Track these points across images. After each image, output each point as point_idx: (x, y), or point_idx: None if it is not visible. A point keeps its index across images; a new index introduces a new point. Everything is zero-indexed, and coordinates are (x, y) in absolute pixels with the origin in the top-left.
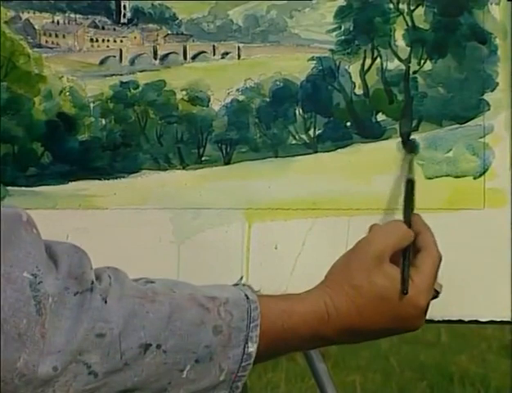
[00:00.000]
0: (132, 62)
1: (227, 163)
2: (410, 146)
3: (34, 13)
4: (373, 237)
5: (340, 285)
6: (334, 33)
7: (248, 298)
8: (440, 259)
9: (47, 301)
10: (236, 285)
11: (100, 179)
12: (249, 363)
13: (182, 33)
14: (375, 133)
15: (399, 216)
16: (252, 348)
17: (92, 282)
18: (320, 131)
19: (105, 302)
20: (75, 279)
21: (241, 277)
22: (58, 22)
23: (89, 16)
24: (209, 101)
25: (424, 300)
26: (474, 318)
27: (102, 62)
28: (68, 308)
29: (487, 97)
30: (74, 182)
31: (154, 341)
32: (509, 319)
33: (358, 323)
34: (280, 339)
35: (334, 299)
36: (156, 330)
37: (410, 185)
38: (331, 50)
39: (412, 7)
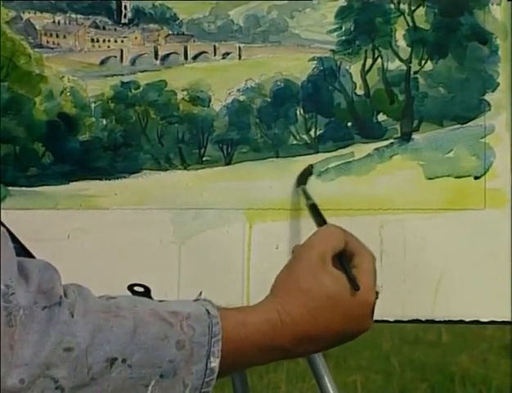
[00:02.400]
0: (132, 62)
1: (228, 163)
2: (301, 180)
3: (35, 13)
4: (312, 241)
5: (289, 292)
6: (335, 34)
7: (209, 313)
8: (375, 259)
9: (18, 313)
10: (197, 300)
11: (101, 179)
12: (212, 379)
13: (183, 34)
14: (376, 134)
15: (400, 216)
16: (214, 363)
17: (61, 297)
18: (321, 131)
19: (72, 316)
20: (44, 294)
21: (200, 293)
22: (59, 22)
23: (90, 16)
24: (210, 101)
25: (372, 297)
26: (475, 319)
27: (103, 62)
28: (36, 321)
29: (488, 97)
30: (74, 183)
31: (120, 355)
32: (509, 319)
33: (312, 328)
34: (238, 350)
35: (285, 306)
36: (121, 344)
37: (313, 208)
38: (332, 50)
39: (413, 8)
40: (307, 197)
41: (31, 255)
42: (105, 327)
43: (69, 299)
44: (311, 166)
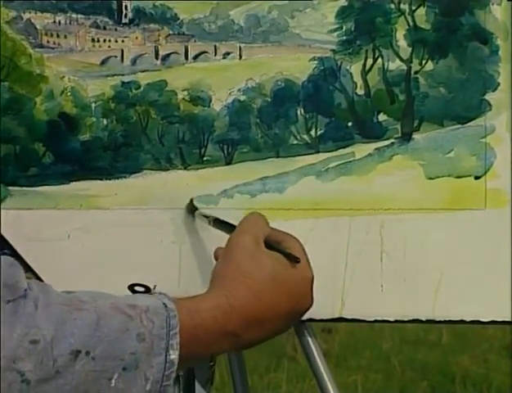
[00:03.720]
0: (133, 62)
1: (229, 163)
2: (190, 208)
3: (36, 13)
4: (243, 227)
5: (232, 278)
6: (336, 34)
7: (166, 306)
8: (302, 243)
9: None
10: (152, 294)
11: (101, 179)
12: (173, 371)
13: (184, 34)
14: (377, 134)
15: (401, 216)
16: (174, 355)
17: (25, 290)
18: (321, 131)
19: (36, 309)
20: (8, 288)
21: (155, 286)
22: (60, 22)
23: (91, 16)
24: (211, 101)
25: (310, 273)
26: (476, 319)
27: (104, 62)
28: (1, 315)
29: (489, 97)
30: (75, 183)
31: (84, 347)
32: (509, 319)
33: (260, 310)
34: (193, 339)
35: (231, 291)
36: (85, 337)
37: (217, 221)
38: (333, 50)
39: (413, 7)
40: (207, 216)
41: (20, 257)
42: (69, 319)
43: (33, 291)
44: (191, 200)
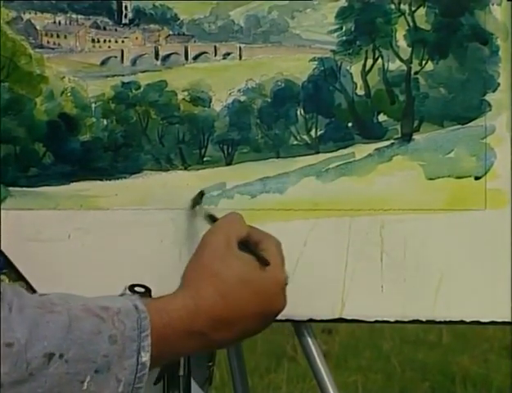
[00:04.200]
0: (133, 63)
1: (229, 163)
2: (194, 202)
3: (36, 14)
4: (216, 228)
5: (200, 278)
6: (336, 34)
7: (137, 308)
8: (280, 244)
9: None
10: (123, 295)
11: (101, 180)
12: (144, 373)
13: (184, 34)
14: (377, 134)
15: (401, 217)
16: (145, 357)
17: (0, 293)
18: (321, 131)
19: (10, 312)
20: None
21: (125, 287)
22: (60, 23)
23: (91, 17)
24: (211, 101)
25: (282, 275)
26: (476, 319)
27: (104, 63)
28: None
29: (489, 97)
30: (75, 183)
31: (57, 350)
32: (509, 320)
33: (227, 311)
34: (162, 339)
35: (199, 292)
36: (58, 339)
37: (210, 218)
38: (333, 50)
39: (414, 8)
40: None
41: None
42: (42, 322)
43: (7, 296)
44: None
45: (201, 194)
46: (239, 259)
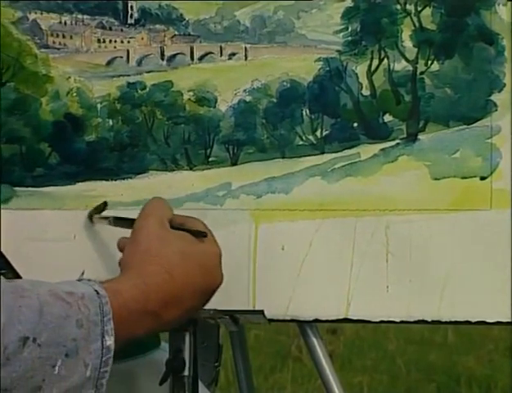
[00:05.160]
0: (139, 63)
1: (234, 164)
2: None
3: (42, 14)
4: (146, 212)
5: (144, 260)
6: (342, 34)
7: (98, 293)
8: (205, 224)
9: None
10: (81, 280)
11: (107, 180)
12: (110, 357)
13: (189, 34)
14: (382, 134)
15: (406, 217)
16: (110, 341)
17: None
18: (327, 132)
19: None
20: None
21: (82, 273)
22: (65, 23)
23: (96, 17)
24: (216, 101)
25: (218, 247)
26: (481, 319)
27: (109, 63)
28: None
29: (495, 97)
30: (81, 183)
31: (31, 334)
32: None
33: (175, 287)
34: (119, 320)
35: (145, 271)
36: (31, 323)
37: (117, 219)
38: (338, 51)
39: (419, 8)
40: (106, 217)
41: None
42: (15, 306)
43: None
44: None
45: (105, 204)
46: (176, 236)
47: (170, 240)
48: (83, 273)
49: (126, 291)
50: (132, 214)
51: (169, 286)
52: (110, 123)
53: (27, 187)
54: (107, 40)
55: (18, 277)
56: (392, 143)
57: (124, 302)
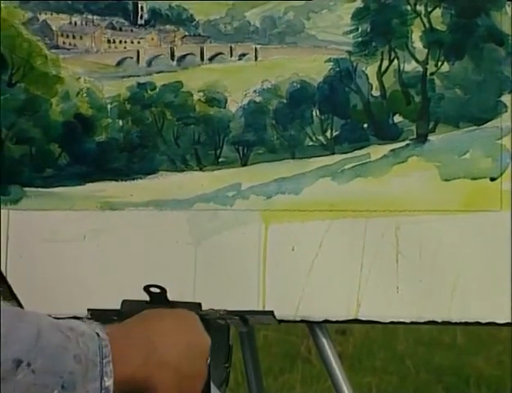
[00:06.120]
0: (149, 63)
1: (244, 164)
2: None
3: (52, 14)
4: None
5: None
6: (352, 35)
7: (98, 335)
8: None
9: None
10: (82, 320)
11: (117, 180)
12: None
13: (200, 35)
14: (392, 135)
15: (416, 218)
16: (108, 382)
17: None
18: (337, 132)
19: None
20: None
21: (87, 316)
22: (75, 23)
23: (106, 18)
24: (226, 102)
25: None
26: (491, 320)
27: (119, 63)
28: None
29: (505, 98)
30: (91, 184)
31: (25, 357)
32: None
33: (141, 330)
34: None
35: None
36: (27, 345)
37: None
38: (348, 51)
39: (429, 9)
40: None
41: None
42: (13, 328)
43: None
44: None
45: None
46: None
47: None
48: (87, 317)
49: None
50: (142, 214)
51: (138, 329)
52: (120, 123)
53: (37, 187)
54: (117, 41)
55: (14, 295)
56: (402, 144)
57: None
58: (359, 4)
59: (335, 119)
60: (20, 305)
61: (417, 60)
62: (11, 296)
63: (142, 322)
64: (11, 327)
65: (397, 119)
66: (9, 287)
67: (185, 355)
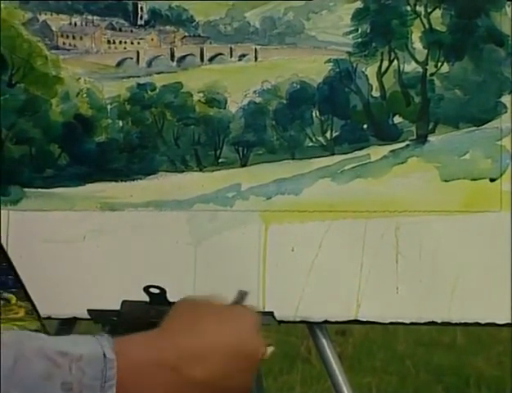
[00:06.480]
0: (149, 64)
1: (244, 165)
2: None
3: (52, 15)
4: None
5: (166, 323)
6: (351, 36)
7: (105, 356)
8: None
9: None
10: (94, 337)
11: (116, 181)
12: None
13: (199, 35)
14: (392, 136)
15: (416, 218)
16: None
17: None
18: (336, 133)
19: None
20: None
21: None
22: (75, 24)
23: (106, 18)
24: (226, 103)
25: (254, 315)
26: (491, 321)
27: (119, 64)
28: None
29: (504, 99)
30: (90, 184)
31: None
32: None
33: (196, 340)
34: (127, 380)
35: (164, 326)
36: (2, 379)
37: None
38: (348, 52)
39: (429, 10)
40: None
41: (17, 275)
42: None
43: None
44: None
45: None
46: (207, 305)
47: (199, 308)
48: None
49: (139, 346)
50: (142, 215)
51: (190, 338)
52: (120, 124)
53: (37, 188)
54: (117, 41)
55: (28, 297)
56: (402, 145)
57: (136, 359)
58: (359, 5)
59: (335, 119)
60: (34, 307)
61: (417, 61)
62: (26, 298)
63: (183, 318)
64: None
65: (397, 119)
66: (23, 288)
67: (226, 364)
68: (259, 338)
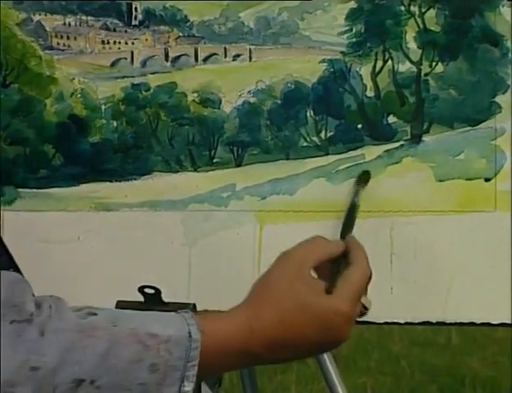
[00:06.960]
0: (143, 64)
1: (239, 165)
2: (361, 179)
3: (46, 15)
4: (292, 249)
5: (263, 299)
6: (346, 36)
7: (190, 336)
8: (370, 276)
9: None
10: (184, 312)
11: (111, 181)
12: None
13: (194, 36)
14: (387, 136)
15: (411, 218)
16: (188, 387)
17: (32, 314)
18: (331, 133)
19: (42, 335)
20: (14, 307)
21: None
22: (69, 24)
23: (100, 18)
24: (221, 103)
25: (348, 308)
26: (486, 321)
27: (114, 64)
28: (4, 335)
29: (499, 99)
30: (85, 184)
31: (89, 376)
32: None
33: (283, 336)
34: (212, 358)
35: (257, 313)
36: (91, 366)
37: (352, 209)
38: (342, 52)
39: (423, 9)
40: (355, 196)
41: (17, 268)
42: (77, 347)
43: (42, 315)
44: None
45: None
46: (305, 284)
47: (297, 287)
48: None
49: (227, 331)
50: (137, 215)
51: (278, 334)
52: (115, 124)
53: (31, 188)
54: (111, 41)
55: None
56: (397, 145)
57: (222, 341)
58: (353, 5)
59: (329, 119)
60: None
61: (411, 61)
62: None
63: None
64: (74, 345)
65: (392, 119)
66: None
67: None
68: (346, 329)
